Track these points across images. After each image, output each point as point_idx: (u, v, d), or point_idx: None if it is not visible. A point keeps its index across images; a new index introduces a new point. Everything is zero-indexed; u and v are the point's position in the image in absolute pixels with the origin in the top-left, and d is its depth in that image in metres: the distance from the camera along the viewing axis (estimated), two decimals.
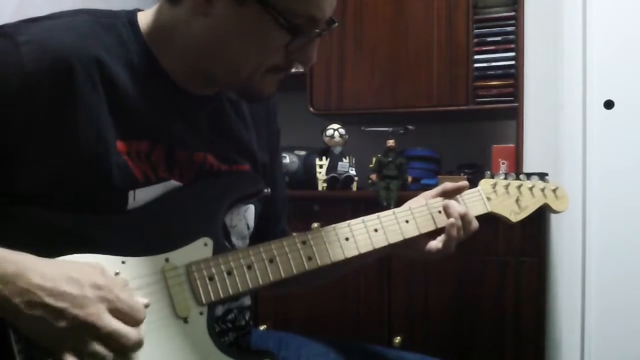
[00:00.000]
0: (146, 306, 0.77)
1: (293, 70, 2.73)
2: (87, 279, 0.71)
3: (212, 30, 0.83)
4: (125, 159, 0.83)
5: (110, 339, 0.71)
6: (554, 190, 1.13)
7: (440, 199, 1.03)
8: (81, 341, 0.70)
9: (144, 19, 0.89)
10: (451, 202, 1.02)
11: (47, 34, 0.79)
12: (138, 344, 0.74)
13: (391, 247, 1.03)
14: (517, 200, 1.09)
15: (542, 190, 1.11)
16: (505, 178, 1.10)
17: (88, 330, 0.70)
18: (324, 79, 2.56)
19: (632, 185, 2.44)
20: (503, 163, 2.35)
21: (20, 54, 0.76)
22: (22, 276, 0.68)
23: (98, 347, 0.71)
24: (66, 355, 0.70)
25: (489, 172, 1.11)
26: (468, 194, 1.05)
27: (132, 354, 0.74)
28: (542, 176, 1.16)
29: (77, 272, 0.72)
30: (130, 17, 0.89)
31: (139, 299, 0.76)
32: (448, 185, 1.04)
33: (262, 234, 1.01)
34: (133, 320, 0.74)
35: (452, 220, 1.00)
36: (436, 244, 1.01)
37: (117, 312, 0.72)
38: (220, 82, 0.90)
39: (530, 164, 2.53)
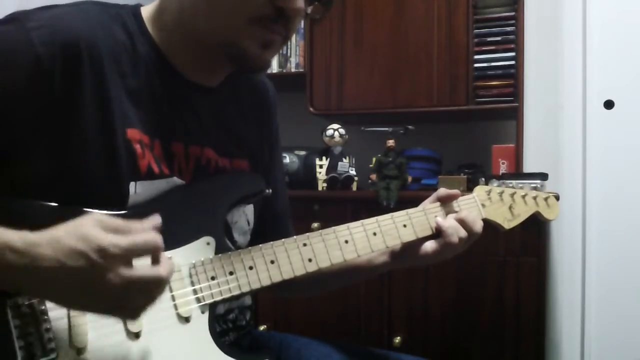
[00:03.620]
0: (157, 226, 0.73)
1: (293, 70, 2.73)
2: (89, 244, 0.67)
3: None
4: (135, 147, 0.83)
5: (145, 287, 0.69)
6: (546, 199, 1.15)
7: (437, 204, 1.04)
8: (121, 300, 0.69)
9: (146, 11, 0.91)
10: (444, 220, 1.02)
11: (57, 20, 0.80)
12: (170, 274, 0.71)
13: (392, 258, 1.05)
14: (510, 208, 1.11)
15: (535, 198, 1.14)
16: (499, 185, 1.12)
17: (119, 293, 0.67)
18: (324, 79, 2.56)
19: (632, 185, 2.44)
20: (503, 163, 2.35)
21: (31, 39, 0.77)
22: (30, 266, 0.66)
23: (138, 300, 0.69)
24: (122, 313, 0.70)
25: (483, 179, 1.12)
26: (464, 200, 1.07)
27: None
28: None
29: (74, 240, 0.67)
30: (133, 9, 0.90)
31: (145, 225, 0.72)
32: (442, 191, 1.05)
33: (265, 234, 1.01)
34: (152, 254, 0.70)
35: (446, 224, 1.00)
36: (432, 244, 1.01)
37: (134, 258, 0.69)
38: (211, 44, 0.88)
39: (530, 164, 2.53)
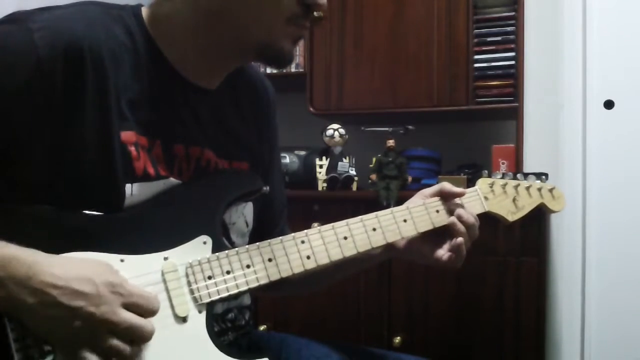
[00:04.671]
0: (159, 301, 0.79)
1: (293, 70, 2.74)
2: (99, 277, 0.72)
3: None
4: (129, 150, 0.84)
5: (127, 333, 0.73)
6: (551, 190, 1.13)
7: (437, 198, 1.03)
8: (98, 338, 0.71)
9: (147, 13, 0.91)
10: (455, 220, 1.01)
11: (60, 22, 0.80)
12: (151, 333, 0.75)
13: (395, 250, 1.03)
14: (514, 200, 1.08)
15: (539, 190, 1.11)
16: (503, 177, 1.10)
17: (104, 327, 0.71)
18: (324, 79, 2.56)
19: (632, 185, 2.44)
20: (503, 163, 2.35)
21: (33, 40, 0.77)
22: (34, 277, 0.69)
23: (115, 342, 0.72)
24: (84, 353, 0.71)
25: (486, 172, 1.10)
26: (465, 194, 1.05)
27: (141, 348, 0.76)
28: (541, 176, 1.15)
29: (88, 270, 0.73)
30: (134, 10, 0.90)
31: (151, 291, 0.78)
32: (446, 186, 1.03)
33: (261, 234, 1.01)
34: (149, 310, 0.76)
35: (460, 239, 0.99)
36: (447, 256, 1.00)
37: (132, 306, 0.74)
38: (242, 47, 0.90)
39: (530, 164, 2.53)
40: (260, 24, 0.87)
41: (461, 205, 1.03)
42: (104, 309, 0.71)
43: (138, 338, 0.74)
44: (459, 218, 1.00)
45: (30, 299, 0.69)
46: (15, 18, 0.80)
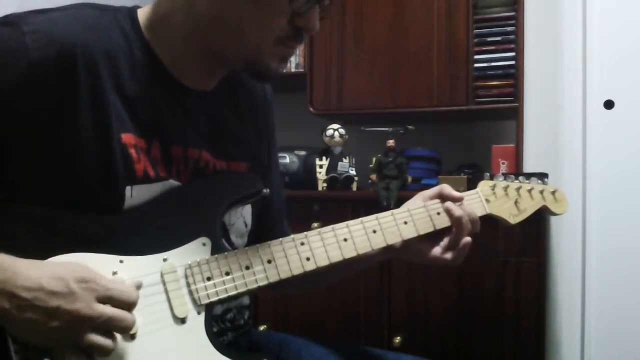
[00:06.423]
0: (139, 287, 0.79)
1: (293, 70, 2.73)
2: (72, 275, 0.72)
3: (220, 4, 0.85)
4: (130, 152, 0.84)
5: (106, 326, 0.72)
6: (553, 193, 1.12)
7: (438, 200, 1.03)
8: (78, 336, 0.71)
9: (142, 14, 0.91)
10: (463, 214, 1.00)
11: (53, 24, 0.80)
12: (131, 326, 0.75)
13: (393, 251, 1.03)
14: (515, 203, 1.08)
15: (541, 192, 1.11)
16: (505, 179, 1.09)
17: (83, 324, 0.71)
18: (324, 79, 2.56)
19: (632, 185, 2.43)
20: (503, 163, 2.35)
21: (25, 43, 0.77)
22: (8, 281, 0.69)
23: (95, 337, 0.72)
24: (66, 353, 0.71)
25: (488, 174, 1.10)
26: (467, 196, 1.04)
27: (129, 348, 0.75)
28: (542, 176, 1.15)
29: (62, 269, 0.72)
30: (130, 12, 0.90)
31: (130, 282, 0.78)
32: (446, 189, 1.03)
33: (261, 234, 1.01)
34: (126, 303, 0.75)
35: (467, 239, 0.99)
36: (451, 255, 1.00)
37: (108, 299, 0.73)
38: (229, 59, 0.91)
39: (530, 164, 2.53)
40: (249, 40, 0.87)
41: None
42: (79, 306, 0.70)
43: (118, 330, 0.74)
44: (467, 214, 1.00)
45: (6, 303, 0.69)
46: (9, 20, 0.80)
